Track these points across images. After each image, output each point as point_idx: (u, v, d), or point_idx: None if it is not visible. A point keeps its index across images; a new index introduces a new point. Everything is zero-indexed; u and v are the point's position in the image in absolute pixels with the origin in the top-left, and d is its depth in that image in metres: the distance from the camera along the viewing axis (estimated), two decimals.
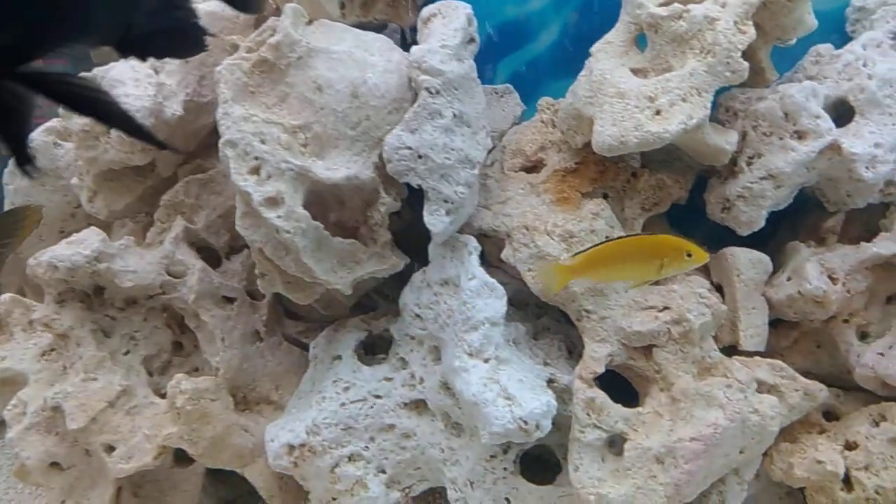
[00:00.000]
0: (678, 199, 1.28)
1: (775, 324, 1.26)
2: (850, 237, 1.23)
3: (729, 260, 1.22)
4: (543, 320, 1.31)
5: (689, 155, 1.26)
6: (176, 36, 0.69)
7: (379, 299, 1.47)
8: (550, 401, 1.06)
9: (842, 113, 1.24)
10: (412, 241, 1.34)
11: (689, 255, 0.98)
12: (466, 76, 1.22)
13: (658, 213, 1.30)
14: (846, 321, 1.19)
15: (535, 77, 1.50)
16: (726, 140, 1.18)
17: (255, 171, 1.17)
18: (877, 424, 1.13)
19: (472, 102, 1.24)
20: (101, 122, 0.64)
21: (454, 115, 1.19)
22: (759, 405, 1.09)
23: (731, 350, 1.21)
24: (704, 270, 1.29)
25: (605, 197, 1.27)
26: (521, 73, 1.51)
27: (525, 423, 1.03)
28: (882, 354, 1.13)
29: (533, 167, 1.33)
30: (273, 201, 1.15)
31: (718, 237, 1.29)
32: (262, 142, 1.18)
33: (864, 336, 1.19)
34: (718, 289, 1.25)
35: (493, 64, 1.51)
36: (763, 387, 1.14)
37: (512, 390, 1.06)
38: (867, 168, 1.15)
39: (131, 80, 1.39)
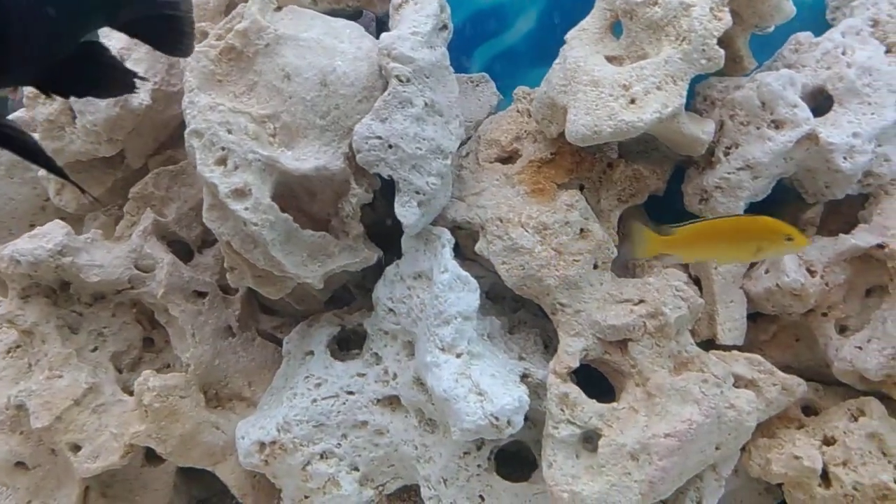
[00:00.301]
0: (655, 190, 1.26)
1: (754, 318, 1.24)
2: (830, 229, 1.21)
3: None
4: (520, 314, 1.28)
5: (667, 145, 1.23)
6: (103, 78, 0.69)
7: (358, 293, 1.45)
8: (523, 396, 1.04)
9: (821, 102, 1.21)
10: (387, 233, 1.31)
11: (790, 239, 0.93)
12: (438, 64, 1.19)
13: (635, 205, 1.28)
14: (825, 314, 1.17)
15: (511, 66, 1.47)
16: (702, 130, 1.15)
17: (222, 161, 1.13)
18: (855, 419, 1.11)
19: (445, 91, 1.21)
20: (24, 158, 0.64)
21: (425, 104, 1.17)
22: (736, 400, 1.07)
23: (708, 344, 1.18)
24: (682, 263, 1.27)
25: (582, 188, 1.25)
26: (497, 61, 1.48)
27: (496, 419, 1.00)
28: (860, 348, 1.11)
29: (508, 158, 1.30)
30: (240, 193, 1.12)
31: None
32: (229, 132, 1.15)
33: (843, 329, 1.17)
34: (697, 282, 1.23)
35: (469, 52, 1.48)
36: (740, 381, 1.12)
37: (484, 386, 1.03)
38: (845, 158, 1.13)
39: None
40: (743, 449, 1.15)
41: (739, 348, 1.19)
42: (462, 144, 1.34)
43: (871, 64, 1.18)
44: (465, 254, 1.28)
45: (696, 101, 1.26)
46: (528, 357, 1.19)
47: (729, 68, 1.24)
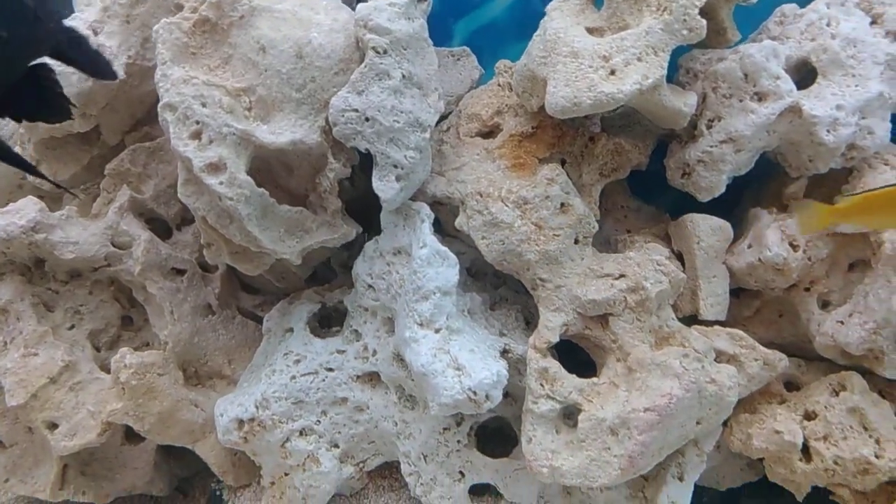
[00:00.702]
0: (638, 164, 1.24)
1: (737, 293, 1.23)
2: None
3: (689, 227, 1.18)
4: (501, 290, 1.27)
5: (649, 119, 1.21)
6: (43, 104, 0.78)
7: (343, 273, 1.43)
8: (501, 371, 1.03)
9: (805, 75, 1.20)
10: (367, 209, 1.29)
11: None
12: (416, 36, 1.17)
13: (618, 180, 1.27)
14: (807, 289, 1.16)
15: (493, 39, 1.45)
16: (684, 102, 1.13)
17: (196, 135, 1.11)
18: (836, 394, 1.11)
19: (423, 63, 1.19)
20: None
21: (403, 77, 1.14)
22: (717, 375, 1.06)
23: (691, 320, 1.17)
24: (665, 238, 1.26)
25: (563, 163, 1.23)
26: (479, 35, 1.45)
27: (474, 393, 0.99)
28: (842, 323, 1.10)
29: (489, 132, 1.28)
30: (215, 167, 1.10)
31: (683, 206, 1.25)
32: (204, 105, 1.12)
33: (825, 305, 1.16)
34: (679, 257, 1.22)
35: (450, 26, 1.46)
36: (722, 356, 1.11)
37: (462, 360, 1.02)
38: (828, 131, 1.11)
39: None
40: (725, 424, 1.15)
41: (722, 324, 1.18)
42: (443, 119, 1.32)
43: (855, 35, 1.16)
44: (446, 230, 1.26)
45: (679, 73, 1.24)
46: (508, 333, 1.18)
47: (712, 40, 1.22)
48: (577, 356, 1.18)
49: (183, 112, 1.12)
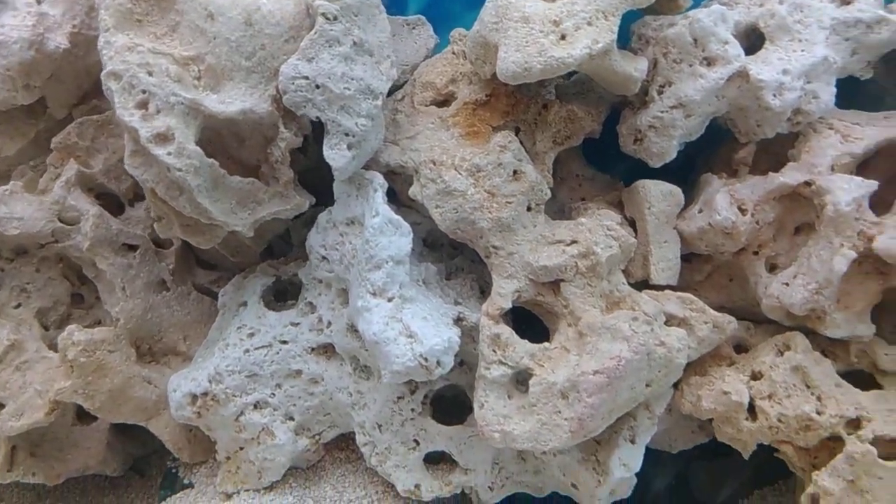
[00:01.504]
0: (591, 131, 1.24)
1: (689, 258, 1.24)
2: (762, 168, 1.22)
3: (640, 192, 1.19)
4: (457, 260, 1.27)
5: (602, 86, 1.21)
6: None
7: (299, 245, 1.41)
8: (453, 337, 1.03)
9: (754, 40, 1.21)
10: (323, 180, 1.28)
11: None
12: (367, 2, 1.15)
13: (573, 147, 1.27)
14: (756, 253, 1.18)
15: (449, 7, 1.43)
16: (635, 67, 1.14)
17: (143, 105, 1.09)
18: (781, 354, 1.13)
19: (375, 30, 1.17)
20: None
21: (354, 43, 1.13)
22: (667, 338, 1.07)
23: (644, 285, 1.19)
24: (619, 205, 1.27)
25: (518, 131, 1.23)
26: (434, 3, 1.43)
27: (426, 360, 0.99)
28: (787, 284, 1.13)
29: (444, 101, 1.27)
30: (162, 137, 1.07)
31: (639, 174, 1.26)
32: (150, 74, 1.10)
33: (773, 268, 1.18)
34: (632, 223, 1.23)
35: None
36: (673, 320, 1.13)
37: (414, 328, 1.02)
38: (774, 95, 1.13)
39: (9, 10, 1.28)
40: (676, 387, 1.17)
41: (674, 288, 1.19)
42: (398, 88, 1.31)
43: (802, 0, 1.18)
44: (401, 199, 1.25)
45: (632, 39, 1.24)
46: (464, 301, 1.18)
47: (664, 7, 1.23)
48: (537, 324, 1.19)
49: (128, 81, 1.09)
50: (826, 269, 1.09)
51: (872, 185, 1.10)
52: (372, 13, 1.17)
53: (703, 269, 1.24)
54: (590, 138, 1.28)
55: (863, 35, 1.17)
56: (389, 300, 1.05)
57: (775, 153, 1.22)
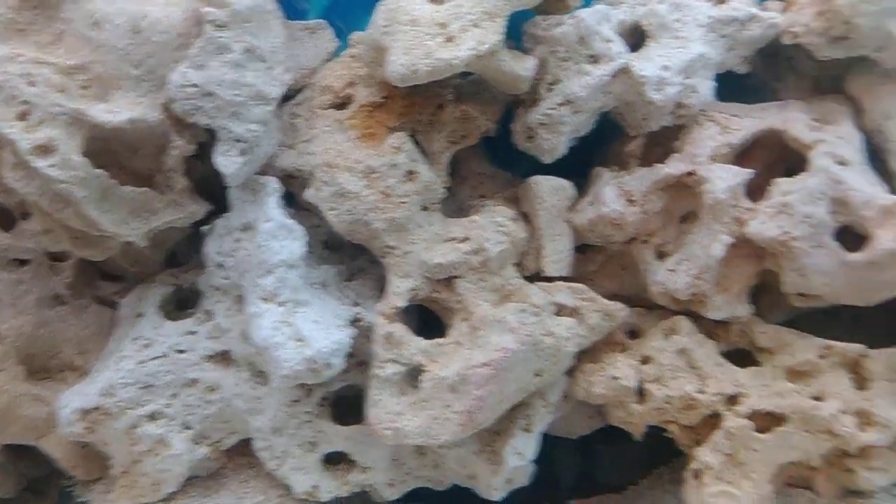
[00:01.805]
0: (486, 130, 1.27)
1: (584, 249, 1.29)
2: (652, 160, 1.26)
3: (532, 188, 1.22)
4: (359, 262, 1.29)
5: (494, 85, 1.24)
6: None
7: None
8: (343, 339, 1.05)
9: (639, 38, 1.25)
10: (222, 187, 1.28)
11: None
12: (258, 7, 1.16)
13: (474, 146, 1.30)
14: (645, 242, 1.23)
15: (351, 11, 1.44)
16: (523, 66, 1.16)
17: (23, 116, 1.07)
18: (667, 338, 1.18)
19: (268, 36, 1.18)
20: None
21: (245, 50, 1.13)
22: (555, 328, 1.11)
23: (539, 277, 1.22)
24: (517, 201, 1.30)
25: (415, 131, 1.25)
26: (336, 7, 1.44)
27: (314, 362, 1.01)
28: (672, 271, 1.18)
29: (342, 104, 1.28)
30: (44, 149, 1.06)
31: (540, 171, 1.29)
32: (32, 84, 1.08)
33: (661, 255, 1.22)
34: (527, 218, 1.26)
35: None
36: (564, 310, 1.17)
37: (305, 332, 1.04)
38: (656, 90, 1.17)
39: None
40: (572, 374, 1.21)
41: (569, 279, 1.23)
42: (298, 93, 1.32)
43: (681, 0, 1.22)
44: (301, 203, 1.26)
45: (524, 39, 1.27)
46: (363, 303, 1.20)
47: (554, 7, 1.25)
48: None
49: (8, 92, 1.07)
50: (706, 255, 1.14)
51: (748, 173, 1.16)
52: (264, 19, 1.17)
53: (596, 259, 1.28)
54: (499, 136, 1.30)
55: (737, 32, 1.22)
56: (280, 305, 1.06)
57: (663, 145, 1.27)
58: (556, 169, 1.26)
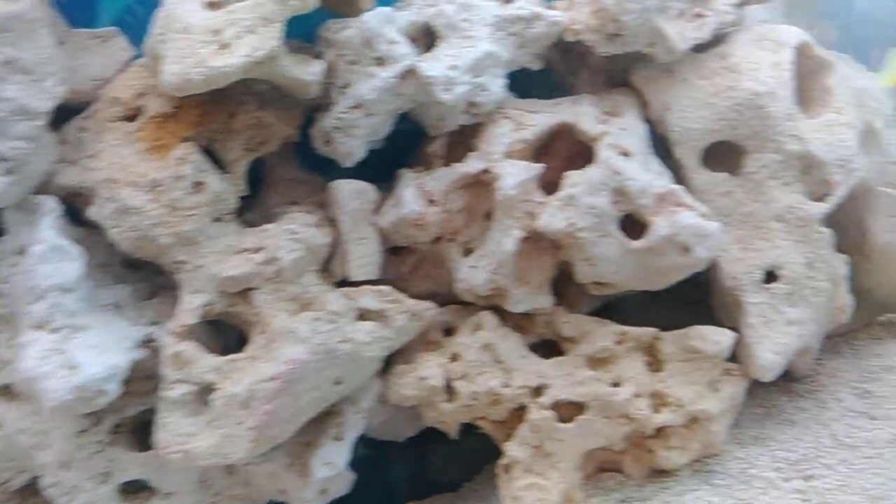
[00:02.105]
0: (286, 137, 1.24)
1: (398, 251, 1.28)
2: (455, 159, 1.27)
3: (334, 193, 1.21)
4: (161, 279, 1.23)
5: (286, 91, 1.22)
6: None
7: None
8: (120, 363, 1.00)
9: (433, 39, 1.26)
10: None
11: None
12: (20, 17, 1.09)
13: (283, 152, 1.27)
14: (451, 240, 1.23)
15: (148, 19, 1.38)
16: (307, 71, 1.15)
17: None
18: (473, 334, 1.19)
19: (33, 46, 1.11)
20: None
21: (5, 62, 1.06)
22: (355, 334, 1.10)
23: (349, 283, 1.21)
24: (325, 205, 1.28)
25: (213, 140, 1.21)
26: (129, 15, 1.38)
27: (85, 390, 0.95)
28: (474, 267, 1.19)
29: (133, 116, 1.22)
30: None
31: (359, 175, 1.28)
32: None
33: (468, 252, 1.23)
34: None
35: (96, 6, 1.37)
36: (369, 314, 1.16)
37: (79, 359, 0.98)
38: (444, 90, 1.18)
39: None
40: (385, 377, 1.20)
41: (382, 281, 1.22)
42: (87, 105, 1.25)
43: (468, 0, 1.24)
44: (90, 222, 1.19)
45: (318, 43, 1.26)
46: (162, 321, 1.15)
47: (349, 9, 1.25)
48: None
49: None
50: (500, 250, 1.16)
51: (538, 168, 1.19)
52: (28, 28, 1.10)
53: (409, 260, 1.28)
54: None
55: (524, 30, 1.25)
56: (53, 332, 1.00)
57: (465, 144, 1.28)
58: (376, 171, 1.26)
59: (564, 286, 1.24)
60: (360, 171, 1.27)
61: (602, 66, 1.34)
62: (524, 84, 1.34)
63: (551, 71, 1.38)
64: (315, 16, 1.23)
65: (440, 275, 1.29)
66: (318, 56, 1.22)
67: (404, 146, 1.34)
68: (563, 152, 1.27)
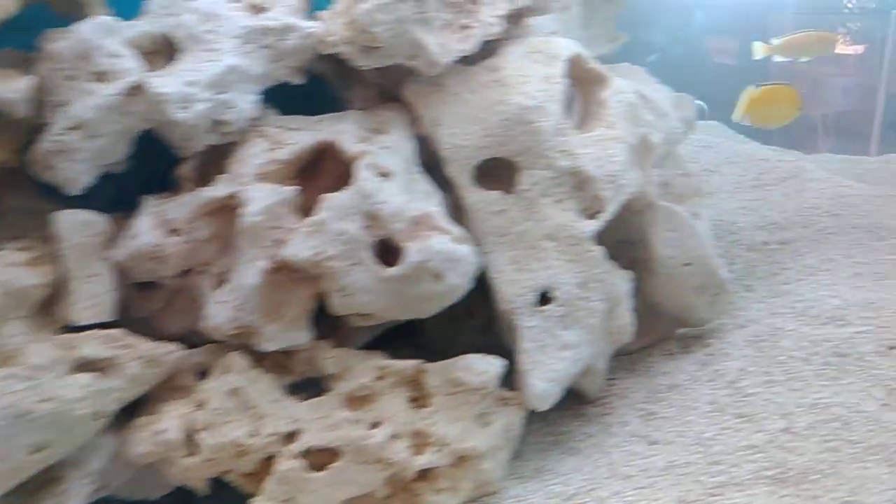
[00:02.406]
0: (4, 161, 1.09)
1: (145, 287, 1.15)
2: (206, 183, 1.15)
3: (54, 225, 1.06)
4: None
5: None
6: None
7: None
8: None
9: (173, 51, 1.14)
10: None
11: None
12: None
13: (15, 179, 1.11)
14: (202, 273, 1.12)
15: None
16: (9, 89, 1.00)
17: None
18: (219, 378, 1.07)
19: None
20: None
21: None
22: (60, 390, 0.96)
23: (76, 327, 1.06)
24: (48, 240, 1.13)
25: None
26: None
27: None
28: (224, 303, 1.07)
29: None
30: None
31: (117, 201, 1.14)
32: None
33: (221, 285, 1.12)
34: None
35: None
36: (96, 363, 1.02)
37: None
38: (180, 108, 1.06)
39: None
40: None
41: (133, 322, 1.09)
42: None
43: (213, 10, 1.14)
44: None
45: (38, 55, 1.11)
46: None
47: (77, 14, 1.11)
48: None
49: None
50: (245, 284, 1.05)
51: (289, 191, 1.09)
52: None
53: (158, 296, 1.15)
54: None
55: (278, 42, 1.15)
56: None
57: (220, 165, 1.17)
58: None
59: (337, 318, 1.15)
60: (121, 197, 1.14)
61: (375, 79, 1.26)
62: (305, 100, 1.24)
63: (329, 85, 1.29)
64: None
65: (194, 311, 1.16)
66: (28, 70, 1.07)
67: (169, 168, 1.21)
68: (333, 172, 1.18)
